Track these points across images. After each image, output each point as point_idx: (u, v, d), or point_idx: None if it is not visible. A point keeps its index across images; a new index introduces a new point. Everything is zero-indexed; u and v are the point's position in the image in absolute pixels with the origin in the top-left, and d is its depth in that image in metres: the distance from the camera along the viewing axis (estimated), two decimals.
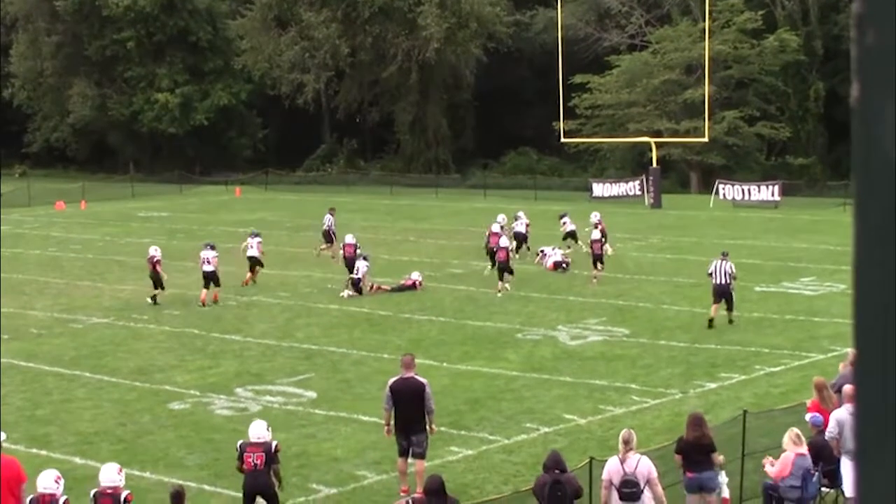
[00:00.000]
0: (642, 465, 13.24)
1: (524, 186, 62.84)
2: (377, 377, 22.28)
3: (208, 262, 31.34)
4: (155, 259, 31.09)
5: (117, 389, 22.48)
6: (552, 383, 21.98)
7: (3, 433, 13.37)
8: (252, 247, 33.73)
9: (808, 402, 16.31)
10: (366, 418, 19.58)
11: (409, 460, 15.99)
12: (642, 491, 13.14)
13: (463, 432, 18.85)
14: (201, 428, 19.66)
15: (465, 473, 16.81)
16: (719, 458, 14.31)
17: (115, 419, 20.34)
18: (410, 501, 12.97)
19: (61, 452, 18.40)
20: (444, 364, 23.45)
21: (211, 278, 31.23)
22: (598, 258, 33.48)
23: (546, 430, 18.98)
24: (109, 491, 12.80)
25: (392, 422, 15.96)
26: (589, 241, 34.53)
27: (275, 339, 26.67)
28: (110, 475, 13.09)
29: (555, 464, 12.96)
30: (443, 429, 17.95)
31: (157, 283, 31.13)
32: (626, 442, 13.40)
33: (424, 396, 15.76)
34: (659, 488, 13.34)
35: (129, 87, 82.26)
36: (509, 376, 22.60)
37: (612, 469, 13.33)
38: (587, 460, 14.31)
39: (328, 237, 39.60)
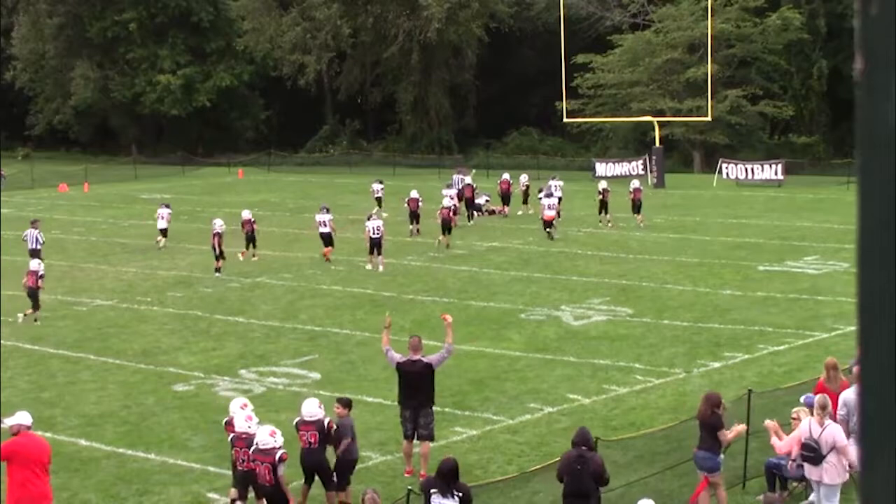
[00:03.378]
0: (828, 432, 13.35)
1: (527, 167, 62.66)
2: (381, 358, 22.23)
3: (324, 224, 34.35)
4: (215, 232, 32.83)
5: (122, 371, 22.52)
6: (556, 363, 22.00)
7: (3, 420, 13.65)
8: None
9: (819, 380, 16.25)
10: (370, 399, 19.59)
11: (415, 441, 16.02)
12: (823, 456, 13.28)
13: (467, 413, 18.87)
14: (206, 410, 19.69)
15: (470, 454, 16.82)
16: (727, 435, 14.16)
17: (120, 401, 20.37)
18: (420, 481, 13.02)
19: (66, 434, 18.43)
20: None
21: (327, 238, 34.19)
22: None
23: (550, 409, 19.00)
24: (311, 420, 14.43)
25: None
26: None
27: (279, 321, 26.69)
28: (311, 409, 14.56)
29: (582, 440, 12.97)
30: (447, 409, 17.97)
31: (220, 254, 32.68)
32: (823, 407, 13.56)
33: (432, 376, 15.85)
34: (851, 455, 13.43)
35: (130, 69, 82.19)
36: (513, 356, 22.62)
37: (803, 430, 13.63)
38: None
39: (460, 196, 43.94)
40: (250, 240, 35.15)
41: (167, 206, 40.26)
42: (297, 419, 14.85)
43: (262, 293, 30.33)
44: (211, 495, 15.66)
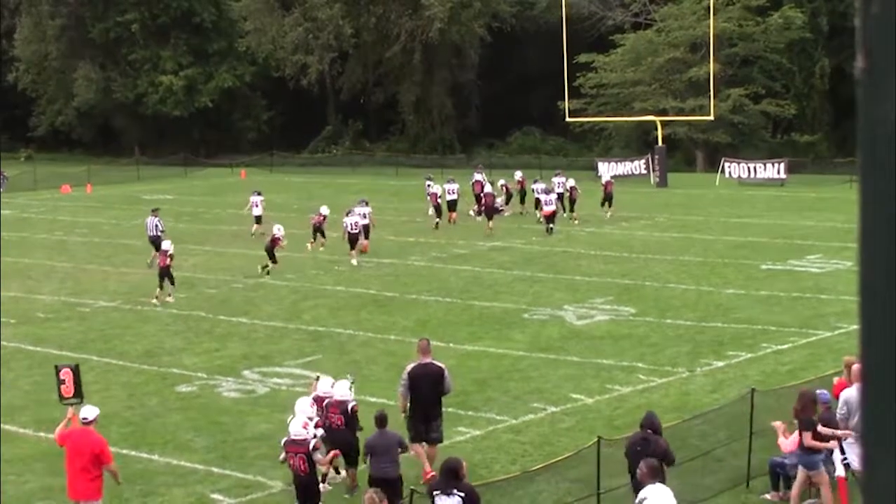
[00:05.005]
0: None
1: (530, 166, 62.60)
2: (384, 358, 22.34)
3: (363, 216, 35.50)
4: (275, 237, 33.16)
5: (125, 373, 22.54)
6: (559, 363, 21.99)
7: (95, 409, 14.05)
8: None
9: (835, 381, 16.15)
10: (373, 399, 19.55)
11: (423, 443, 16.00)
12: None
13: (470, 413, 18.87)
14: (209, 410, 19.70)
15: (474, 454, 16.82)
16: (808, 439, 13.94)
17: (124, 402, 20.38)
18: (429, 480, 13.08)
19: None
20: (451, 345, 23.43)
21: (365, 231, 35.43)
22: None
23: (553, 409, 19.00)
24: (338, 402, 15.24)
25: (408, 405, 15.92)
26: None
27: (282, 321, 26.70)
28: (342, 390, 15.45)
29: (649, 423, 13.35)
30: (450, 409, 17.94)
31: (271, 256, 32.86)
32: None
33: (444, 381, 15.79)
34: None
35: (133, 70, 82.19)
36: (516, 356, 22.61)
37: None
38: (595, 440, 14.32)
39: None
40: (318, 231, 36.43)
41: (259, 194, 42.24)
42: (327, 401, 15.34)
43: (265, 294, 30.34)
44: (215, 496, 15.67)
